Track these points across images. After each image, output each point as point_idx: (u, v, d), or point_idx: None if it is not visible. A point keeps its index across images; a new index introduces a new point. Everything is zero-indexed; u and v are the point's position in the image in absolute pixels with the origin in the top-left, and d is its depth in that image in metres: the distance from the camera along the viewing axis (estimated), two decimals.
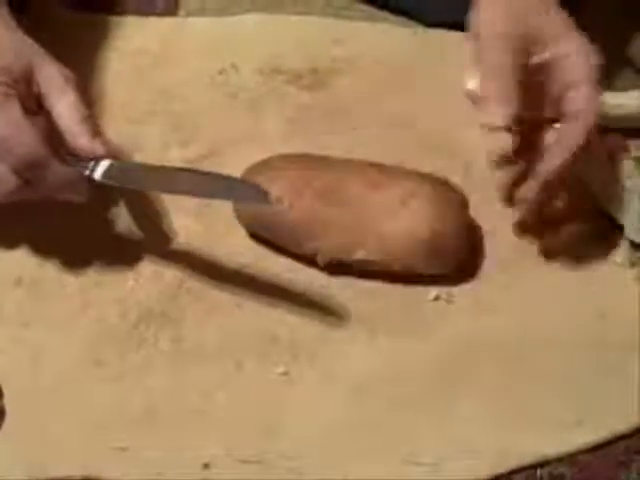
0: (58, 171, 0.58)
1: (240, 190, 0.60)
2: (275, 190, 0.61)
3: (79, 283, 0.63)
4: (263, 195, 0.58)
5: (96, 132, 0.60)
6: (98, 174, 0.59)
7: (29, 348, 0.60)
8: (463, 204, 0.64)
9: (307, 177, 0.63)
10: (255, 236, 0.65)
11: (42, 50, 0.61)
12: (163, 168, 0.62)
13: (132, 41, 0.77)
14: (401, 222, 0.61)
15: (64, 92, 0.60)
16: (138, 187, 0.63)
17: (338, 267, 0.63)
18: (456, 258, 0.63)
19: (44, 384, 0.59)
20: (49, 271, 0.63)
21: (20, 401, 0.58)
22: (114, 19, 0.78)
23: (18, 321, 0.61)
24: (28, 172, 0.58)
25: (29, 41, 0.61)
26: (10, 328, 0.61)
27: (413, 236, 0.61)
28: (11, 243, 0.64)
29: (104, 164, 0.59)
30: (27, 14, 0.76)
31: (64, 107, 0.60)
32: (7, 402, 0.58)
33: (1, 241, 0.63)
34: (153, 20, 0.79)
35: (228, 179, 0.60)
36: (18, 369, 0.59)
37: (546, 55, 0.61)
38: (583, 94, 0.60)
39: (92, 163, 0.59)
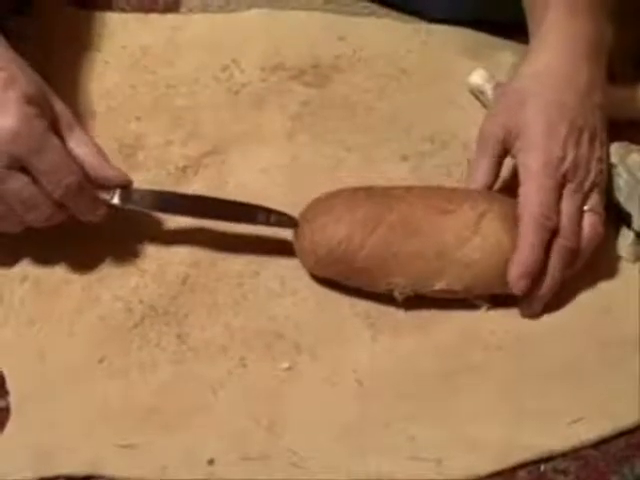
0: (94, 198, 0.61)
1: (264, 215, 0.63)
2: (344, 230, 0.60)
3: (83, 280, 0.63)
4: (290, 220, 0.62)
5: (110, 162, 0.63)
6: (125, 201, 0.62)
7: (34, 345, 0.60)
8: None
9: (374, 212, 0.61)
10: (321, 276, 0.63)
11: (47, 86, 0.61)
12: (182, 195, 0.65)
13: (135, 38, 0.77)
14: (478, 245, 0.60)
15: (73, 127, 0.61)
16: (161, 212, 0.65)
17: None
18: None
19: (49, 381, 0.59)
20: (54, 269, 0.64)
21: (25, 398, 0.58)
22: (116, 16, 0.79)
23: (23, 318, 0.61)
24: (70, 200, 0.59)
25: (38, 76, 0.61)
26: (15, 325, 0.61)
27: (492, 258, 0.60)
28: (16, 241, 0.64)
29: (128, 191, 0.63)
30: (31, 12, 0.76)
31: (78, 142, 0.61)
32: (12, 399, 0.58)
33: (6, 239, 0.63)
34: (155, 17, 0.79)
35: (248, 206, 0.63)
36: (23, 366, 0.59)
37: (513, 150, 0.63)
38: (526, 191, 0.61)
39: (118, 191, 0.62)
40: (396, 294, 0.61)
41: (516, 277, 0.60)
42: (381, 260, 0.60)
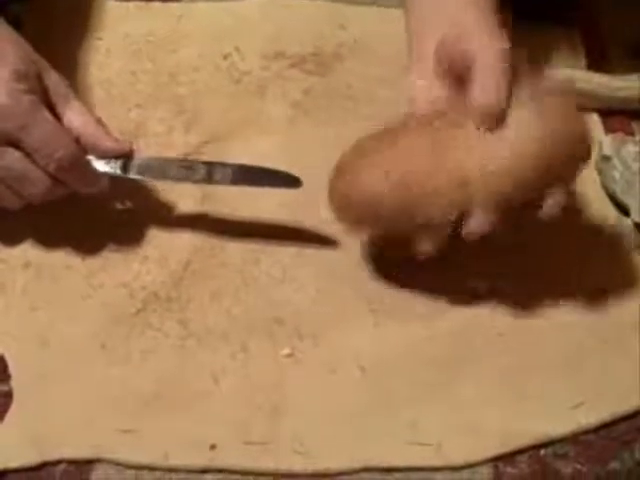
0: (90, 170, 0.61)
1: (268, 177, 0.62)
2: (377, 174, 0.57)
3: (85, 267, 0.63)
4: (293, 180, 0.62)
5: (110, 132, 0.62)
6: (127, 171, 0.62)
7: (36, 331, 0.60)
8: (568, 105, 0.58)
9: (385, 158, 0.58)
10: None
11: (41, 58, 0.61)
12: (186, 160, 0.65)
13: (137, 26, 0.77)
14: (500, 149, 0.56)
15: (69, 98, 0.61)
16: (164, 180, 0.64)
17: None
18: (576, 166, 0.58)
19: (51, 366, 0.59)
20: (56, 255, 0.64)
21: (27, 383, 0.58)
22: (118, 4, 0.79)
23: (25, 304, 0.62)
24: (65, 173, 0.59)
25: (30, 48, 0.61)
26: (17, 311, 0.61)
27: (515, 158, 0.56)
28: (19, 228, 0.64)
29: (130, 161, 0.62)
30: (33, 0, 0.76)
31: (74, 113, 0.61)
32: (14, 384, 0.58)
33: (9, 225, 0.63)
34: (157, 5, 0.79)
35: (253, 168, 0.63)
36: (25, 352, 0.59)
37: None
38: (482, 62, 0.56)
39: (119, 161, 0.62)
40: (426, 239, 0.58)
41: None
42: (418, 193, 0.57)
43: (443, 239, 0.58)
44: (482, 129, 0.56)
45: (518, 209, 0.57)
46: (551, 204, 0.57)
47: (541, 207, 0.57)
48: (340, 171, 0.60)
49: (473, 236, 0.57)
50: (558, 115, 0.57)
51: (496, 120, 0.56)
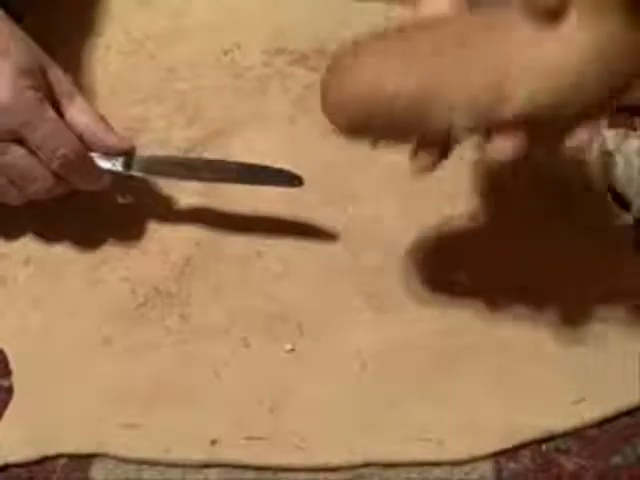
0: (93, 167, 0.61)
1: (269, 175, 0.62)
2: (393, 65, 0.49)
3: (87, 262, 0.63)
4: (295, 178, 0.62)
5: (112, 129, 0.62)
6: (129, 168, 0.62)
7: (38, 326, 0.60)
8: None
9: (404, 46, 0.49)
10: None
11: (45, 54, 0.61)
12: (189, 159, 0.66)
13: (137, 22, 0.77)
14: (551, 47, 0.45)
15: (73, 95, 0.61)
16: (167, 177, 0.64)
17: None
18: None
19: (52, 361, 0.59)
20: (57, 250, 0.64)
21: (28, 378, 0.58)
22: (119, 0, 0.79)
23: (27, 300, 0.62)
24: (68, 170, 0.59)
25: (34, 44, 0.61)
26: (19, 307, 0.61)
27: (571, 58, 0.45)
28: (20, 223, 0.64)
29: (132, 158, 0.62)
30: None
31: (78, 110, 0.61)
32: (15, 380, 0.58)
33: (10, 221, 0.63)
34: (158, 1, 0.79)
35: (256, 167, 0.63)
36: (27, 347, 0.59)
37: None
38: None
39: (121, 158, 0.62)
40: (454, 130, 0.48)
41: None
42: (432, 90, 0.47)
43: (449, 151, 0.50)
44: (531, 24, 0.46)
45: (547, 137, 0.49)
46: (582, 136, 0.48)
47: (565, 139, 0.48)
48: (342, 66, 0.51)
49: (496, 156, 0.48)
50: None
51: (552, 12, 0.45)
